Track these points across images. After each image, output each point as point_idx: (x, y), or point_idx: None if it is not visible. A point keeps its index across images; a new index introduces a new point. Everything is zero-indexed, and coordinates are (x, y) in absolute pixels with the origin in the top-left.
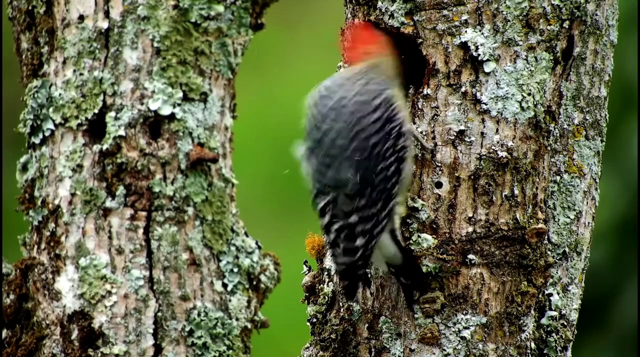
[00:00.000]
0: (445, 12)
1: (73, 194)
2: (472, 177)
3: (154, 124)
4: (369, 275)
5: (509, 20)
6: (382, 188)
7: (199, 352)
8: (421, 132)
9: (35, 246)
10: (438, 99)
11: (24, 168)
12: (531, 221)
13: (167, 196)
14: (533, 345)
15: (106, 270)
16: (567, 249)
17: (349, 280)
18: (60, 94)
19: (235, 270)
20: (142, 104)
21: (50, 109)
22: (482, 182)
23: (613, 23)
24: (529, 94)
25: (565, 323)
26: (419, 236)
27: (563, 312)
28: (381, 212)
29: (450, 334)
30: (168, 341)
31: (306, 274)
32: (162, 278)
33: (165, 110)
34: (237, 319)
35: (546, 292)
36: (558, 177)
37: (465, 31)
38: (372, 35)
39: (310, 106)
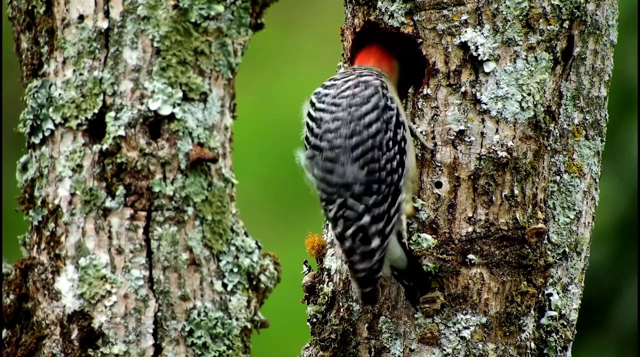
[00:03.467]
0: (445, 12)
1: (73, 194)
2: (472, 177)
3: (154, 124)
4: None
5: (508, 20)
6: (390, 181)
7: (199, 352)
8: (421, 132)
9: (35, 246)
10: (438, 99)
11: (24, 168)
12: (531, 220)
13: (167, 196)
14: (533, 345)
15: (106, 270)
16: (567, 249)
17: (370, 285)
18: (60, 94)
19: (235, 270)
20: (142, 104)
21: (50, 109)
22: (482, 182)
23: (613, 23)
24: (529, 94)
25: (565, 323)
26: (419, 236)
27: (563, 312)
28: (391, 208)
29: (450, 334)
30: (168, 341)
31: (306, 274)
32: (162, 278)
33: (165, 110)
34: (237, 319)
35: (546, 292)
36: (558, 177)
37: (465, 31)
38: (385, 56)
39: (304, 115)
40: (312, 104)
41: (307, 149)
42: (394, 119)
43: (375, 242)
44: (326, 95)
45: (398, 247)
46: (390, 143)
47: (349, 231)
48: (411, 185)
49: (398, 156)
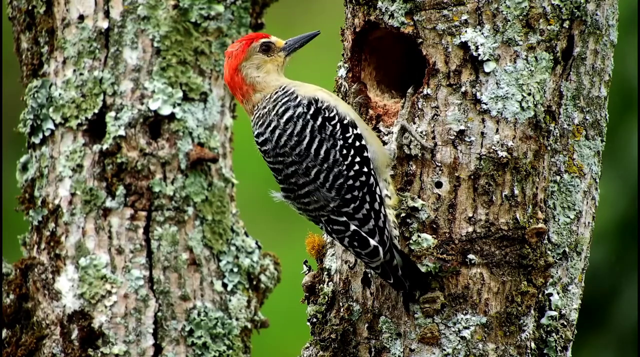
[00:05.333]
0: (445, 12)
1: (73, 194)
2: (472, 177)
3: (154, 124)
4: (369, 275)
5: (509, 20)
6: (359, 184)
7: (199, 352)
8: (421, 132)
9: (35, 246)
10: (438, 99)
11: (24, 168)
12: (531, 220)
13: (167, 196)
14: (533, 345)
15: (106, 270)
16: (567, 249)
17: (392, 274)
18: (60, 94)
19: (235, 270)
20: (142, 104)
21: (50, 109)
22: (482, 182)
23: (613, 23)
24: (529, 94)
25: (565, 323)
26: (419, 236)
27: (563, 312)
28: (373, 203)
29: (450, 334)
30: (168, 341)
31: (306, 274)
32: (162, 278)
33: (165, 110)
34: (237, 319)
35: (546, 292)
36: (558, 177)
37: (465, 31)
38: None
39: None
40: (264, 158)
41: (281, 188)
42: (338, 127)
43: (374, 240)
44: (267, 152)
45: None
46: (344, 151)
47: (345, 242)
48: (385, 170)
49: (358, 157)
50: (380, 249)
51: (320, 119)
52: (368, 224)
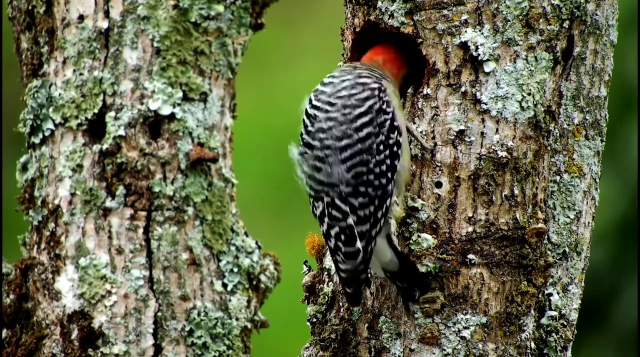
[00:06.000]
0: (445, 11)
1: (73, 194)
2: (472, 177)
3: (154, 124)
4: (370, 275)
5: (508, 20)
6: (377, 185)
7: (199, 352)
8: (421, 132)
9: (35, 246)
10: (438, 98)
11: (24, 168)
12: (531, 220)
13: (167, 196)
14: (533, 345)
15: (106, 270)
16: (567, 249)
17: (354, 286)
18: (60, 94)
19: (235, 270)
20: (142, 103)
21: (50, 109)
22: (482, 182)
23: (613, 23)
24: (529, 94)
25: (565, 323)
26: (419, 236)
27: (563, 312)
28: (378, 211)
29: (450, 334)
30: (168, 341)
31: (306, 274)
32: (162, 278)
33: (165, 110)
34: (237, 319)
35: (546, 292)
36: (558, 177)
37: (465, 31)
38: (396, 59)
39: (302, 111)
40: (310, 101)
41: (300, 144)
42: (387, 123)
43: (360, 244)
44: (323, 93)
45: (388, 251)
46: (382, 146)
47: (333, 231)
48: (404, 188)
49: (388, 160)
50: (361, 254)
51: (379, 105)
52: (363, 226)
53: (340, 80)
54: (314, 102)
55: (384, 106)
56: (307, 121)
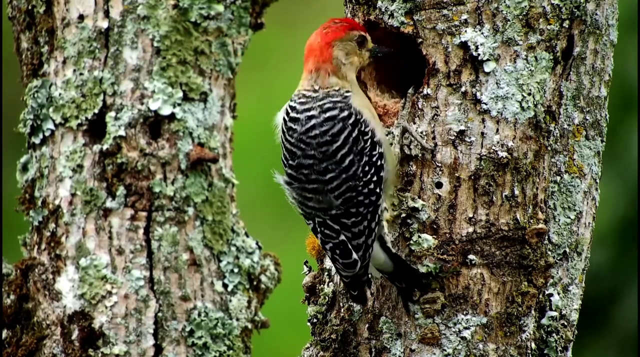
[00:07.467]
0: (445, 11)
1: (73, 194)
2: (472, 177)
3: (154, 124)
4: (370, 275)
5: (508, 20)
6: (368, 202)
7: (199, 353)
8: (421, 132)
9: (36, 246)
10: (438, 99)
11: (24, 168)
12: (531, 221)
13: (167, 196)
14: (533, 345)
15: (106, 270)
16: (567, 250)
17: (357, 288)
18: (60, 94)
19: (236, 270)
20: (142, 104)
21: (50, 109)
22: (483, 183)
23: (613, 23)
24: (529, 94)
25: (566, 323)
26: (419, 236)
27: (563, 312)
28: (371, 223)
29: (451, 334)
30: (168, 341)
31: (306, 275)
32: (162, 278)
33: (165, 110)
34: (237, 320)
35: (546, 292)
36: (558, 178)
37: (465, 31)
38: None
39: (279, 128)
40: (283, 133)
41: (285, 173)
42: (368, 143)
43: (356, 255)
44: (292, 129)
45: (381, 253)
46: (367, 167)
47: (328, 246)
48: (392, 189)
49: (375, 176)
50: (359, 263)
51: (356, 131)
52: (359, 239)
53: (305, 117)
54: (287, 137)
55: (362, 128)
56: (286, 153)
